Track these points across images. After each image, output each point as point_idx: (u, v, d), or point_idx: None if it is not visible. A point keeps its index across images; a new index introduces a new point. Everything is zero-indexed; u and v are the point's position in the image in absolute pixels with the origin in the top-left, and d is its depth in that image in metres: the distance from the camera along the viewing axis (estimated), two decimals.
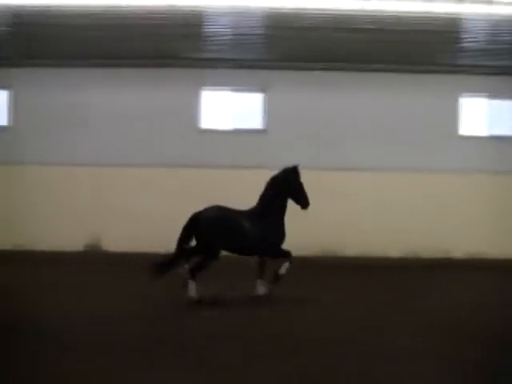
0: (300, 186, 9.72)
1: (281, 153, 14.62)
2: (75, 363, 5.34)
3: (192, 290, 8.72)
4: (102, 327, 6.97)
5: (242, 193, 14.24)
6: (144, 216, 14.45)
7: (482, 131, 15.43)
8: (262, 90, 15.37)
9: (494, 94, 15.34)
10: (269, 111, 15.25)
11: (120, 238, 14.31)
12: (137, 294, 9.28)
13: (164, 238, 13.92)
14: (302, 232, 12.51)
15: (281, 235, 9.52)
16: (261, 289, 9.19)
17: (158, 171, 14.88)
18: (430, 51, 13.66)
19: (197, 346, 6.18)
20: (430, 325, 7.33)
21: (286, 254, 9.38)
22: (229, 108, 15.49)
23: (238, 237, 9.22)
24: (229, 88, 15.49)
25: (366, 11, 11.02)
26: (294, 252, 9.25)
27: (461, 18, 11.75)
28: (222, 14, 12.23)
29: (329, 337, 6.62)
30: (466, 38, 12.83)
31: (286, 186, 9.65)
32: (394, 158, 14.87)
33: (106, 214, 14.66)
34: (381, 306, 8.60)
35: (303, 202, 9.60)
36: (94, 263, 13.11)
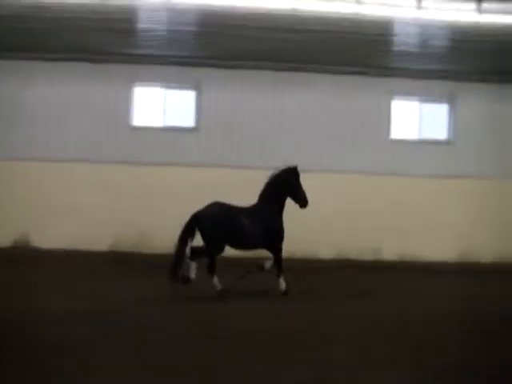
0: (299, 185, 10.27)
1: (211, 151, 14.63)
2: None
3: (216, 282, 9.54)
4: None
5: (173, 189, 14.37)
6: (74, 212, 14.10)
7: (413, 134, 15.63)
8: (194, 87, 15.07)
9: (425, 98, 15.59)
10: (201, 109, 14.98)
11: (50, 235, 13.94)
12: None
13: (96, 235, 14.07)
14: None
15: (280, 231, 10.13)
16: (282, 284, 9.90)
17: (90, 167, 14.45)
18: (363, 53, 13.68)
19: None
20: None
21: (279, 257, 10.04)
22: (161, 105, 15.14)
23: (238, 232, 9.79)
24: (161, 85, 15.15)
25: (298, 11, 10.90)
26: None
27: (392, 22, 11.80)
28: (156, 10, 11.92)
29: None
30: (398, 41, 12.90)
31: (286, 186, 10.21)
32: (323, 159, 14.87)
33: (36, 210, 14.16)
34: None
35: (302, 201, 10.18)
36: (23, 259, 12.80)
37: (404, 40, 12.85)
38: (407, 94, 15.51)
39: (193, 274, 9.46)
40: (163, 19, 12.68)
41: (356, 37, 12.29)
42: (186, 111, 15.19)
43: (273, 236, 10.08)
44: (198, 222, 9.73)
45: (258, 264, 9.93)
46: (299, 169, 10.35)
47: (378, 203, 14.67)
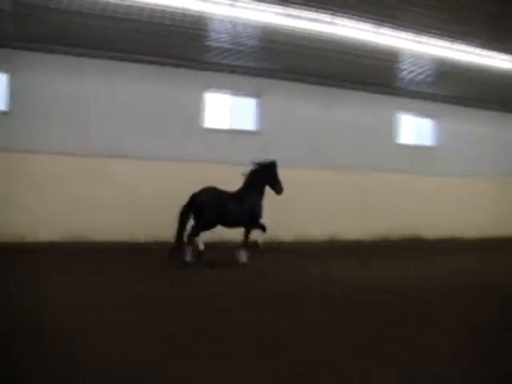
0: (276, 175, 12.52)
1: (29, 136, 14.30)
2: None
3: (188, 254, 11.52)
4: None
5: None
6: None
7: (225, 124, 16.79)
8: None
9: (236, 92, 16.78)
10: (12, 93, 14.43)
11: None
12: None
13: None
14: None
15: (259, 212, 12.31)
16: (243, 257, 12.11)
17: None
18: (179, 46, 14.23)
19: None
20: None
21: (263, 227, 12.25)
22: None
23: (226, 212, 11.88)
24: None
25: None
26: None
27: (206, 17, 12.22)
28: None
29: None
30: (212, 37, 13.53)
31: (266, 175, 12.46)
32: (142, 147, 15.35)
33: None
34: None
35: (278, 189, 12.46)
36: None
37: (217, 36, 13.50)
38: (220, 87, 16.50)
39: (189, 258, 11.48)
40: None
41: (173, 29, 12.72)
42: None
43: (254, 215, 12.22)
44: (195, 201, 11.77)
45: (254, 242, 12.22)
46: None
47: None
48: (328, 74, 16.59)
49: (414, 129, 19.81)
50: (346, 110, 18.08)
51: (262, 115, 17.02)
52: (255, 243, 12.20)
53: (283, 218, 15.48)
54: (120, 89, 15.25)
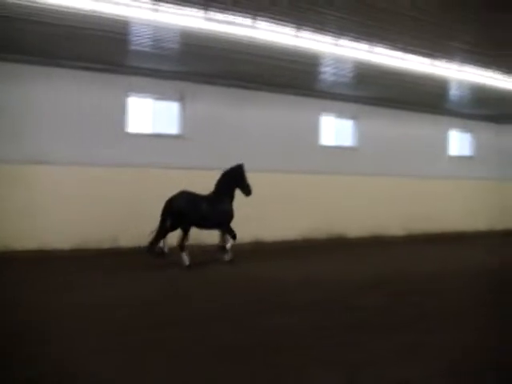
0: (245, 179, 13.54)
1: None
2: None
3: (185, 257, 12.70)
4: None
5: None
6: None
7: (148, 129, 16.63)
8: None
9: (159, 96, 16.68)
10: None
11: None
12: None
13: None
14: None
15: (230, 214, 13.38)
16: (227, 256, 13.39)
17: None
18: (101, 50, 14.00)
19: None
20: None
21: (233, 233, 13.31)
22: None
23: (199, 214, 12.81)
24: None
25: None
26: None
27: (129, 22, 12.00)
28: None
29: None
30: (135, 41, 13.32)
31: (235, 179, 13.50)
32: (63, 153, 14.99)
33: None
34: None
35: (247, 191, 13.58)
36: None
37: (139, 40, 13.32)
38: (142, 91, 16.35)
39: (166, 249, 12.89)
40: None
41: (94, 33, 12.40)
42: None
43: (225, 217, 13.22)
44: (172, 205, 12.71)
45: (220, 245, 13.56)
46: None
47: (120, 193, 15.49)
48: (251, 77, 16.82)
49: (336, 130, 20.36)
50: (271, 113, 18.38)
51: (186, 119, 16.99)
52: (223, 247, 13.34)
53: None
54: (39, 94, 14.77)
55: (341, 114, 20.28)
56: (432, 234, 21.48)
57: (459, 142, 24.05)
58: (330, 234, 19.28)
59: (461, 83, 17.06)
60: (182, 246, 12.75)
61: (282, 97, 18.45)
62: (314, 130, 19.62)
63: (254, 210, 16.05)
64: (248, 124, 17.91)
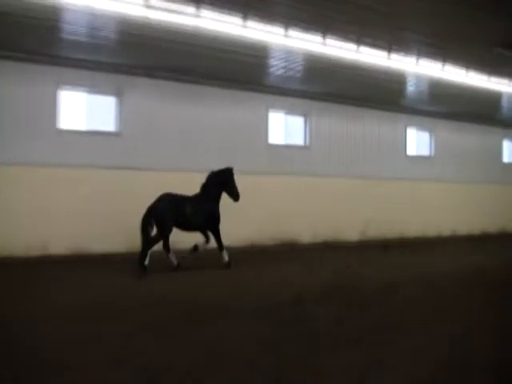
0: (234, 183, 13.04)
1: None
2: None
3: (172, 257, 12.58)
4: None
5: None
6: None
7: (82, 125, 15.46)
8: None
9: (93, 89, 15.52)
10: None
11: None
12: None
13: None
14: None
15: (218, 216, 12.88)
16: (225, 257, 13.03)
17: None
18: (30, 38, 12.90)
19: None
20: None
21: (208, 238, 12.87)
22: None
23: (183, 217, 12.30)
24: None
25: None
26: None
27: (60, 8, 11.05)
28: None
29: None
30: (66, 29, 12.29)
31: (223, 182, 12.98)
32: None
33: None
34: None
35: (235, 196, 13.05)
36: None
37: (73, 28, 12.33)
38: (75, 84, 15.17)
39: (146, 262, 11.83)
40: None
41: (23, 21, 11.47)
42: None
43: (212, 220, 12.74)
44: (152, 214, 12.04)
45: (194, 245, 12.68)
46: None
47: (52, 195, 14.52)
48: (195, 70, 15.94)
49: (285, 128, 19.52)
50: (215, 109, 17.43)
51: (124, 115, 15.90)
52: (195, 246, 12.64)
53: None
54: None
55: (291, 111, 19.39)
56: (390, 239, 20.54)
57: (417, 140, 23.30)
58: (280, 239, 18.31)
59: (418, 78, 16.51)
60: (167, 247, 12.59)
61: (227, 92, 17.53)
62: (262, 127, 18.60)
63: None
64: (191, 121, 16.94)
